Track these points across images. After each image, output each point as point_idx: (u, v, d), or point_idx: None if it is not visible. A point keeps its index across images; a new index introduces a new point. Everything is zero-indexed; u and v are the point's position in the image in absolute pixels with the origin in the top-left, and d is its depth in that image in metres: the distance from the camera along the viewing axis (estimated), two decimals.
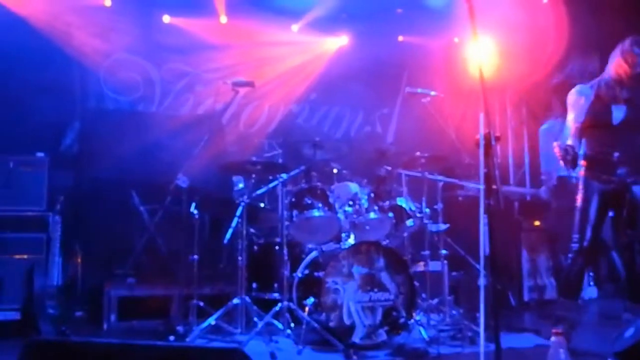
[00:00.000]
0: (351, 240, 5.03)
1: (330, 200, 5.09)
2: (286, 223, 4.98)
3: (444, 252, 5.37)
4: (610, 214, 4.53)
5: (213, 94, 6.85)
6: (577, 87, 4.60)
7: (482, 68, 3.50)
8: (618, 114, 4.44)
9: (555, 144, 4.28)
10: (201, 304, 5.05)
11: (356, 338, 4.58)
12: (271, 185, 5.29)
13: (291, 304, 4.78)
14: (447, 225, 5.45)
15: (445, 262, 5.34)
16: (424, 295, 5.17)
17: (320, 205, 5.00)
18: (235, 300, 4.84)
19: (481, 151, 3.44)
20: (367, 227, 5.14)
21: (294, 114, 7.45)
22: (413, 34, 7.69)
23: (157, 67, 6.98)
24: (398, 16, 7.46)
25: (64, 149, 6.42)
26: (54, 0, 6.29)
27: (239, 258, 4.93)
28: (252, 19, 6.91)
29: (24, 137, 5.90)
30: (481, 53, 3.75)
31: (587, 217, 4.51)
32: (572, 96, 4.57)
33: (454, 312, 5.18)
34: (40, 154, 5.61)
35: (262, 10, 6.81)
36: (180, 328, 4.87)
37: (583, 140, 4.51)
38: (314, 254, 5.06)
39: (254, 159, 5.18)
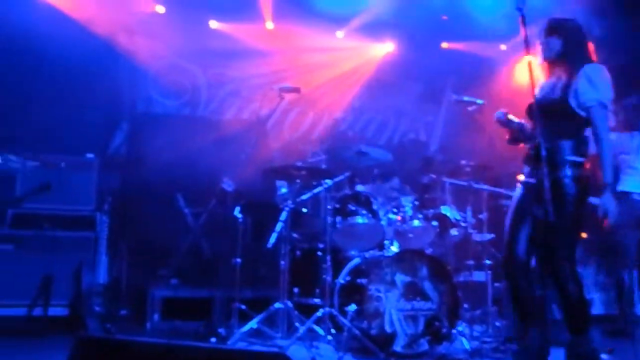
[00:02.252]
0: (394, 248, 5.00)
1: (374, 207, 5.07)
2: (329, 229, 4.98)
3: (488, 262, 5.30)
4: None
5: (258, 99, 6.91)
6: None
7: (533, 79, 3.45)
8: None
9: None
10: (243, 307, 5.08)
11: (397, 347, 4.54)
12: (316, 190, 5.30)
13: (333, 310, 4.77)
14: (492, 235, 5.38)
15: (489, 272, 5.27)
16: (466, 306, 5.11)
17: (364, 212, 4.99)
18: (277, 305, 4.86)
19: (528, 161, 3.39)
20: (411, 235, 5.11)
21: (338, 120, 7.46)
22: (458, 41, 7.63)
23: (203, 72, 7.10)
24: (443, 23, 7.42)
25: (112, 151, 6.57)
26: (106, 5, 6.43)
27: (282, 262, 4.96)
28: (298, 25, 6.97)
29: (74, 138, 6.08)
30: (533, 60, 3.69)
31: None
32: None
33: (497, 323, 5.10)
34: (90, 155, 5.76)
35: (308, 16, 6.85)
36: (221, 330, 4.91)
37: None
38: (356, 260, 5.05)
39: (298, 164, 5.21)
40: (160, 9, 6.72)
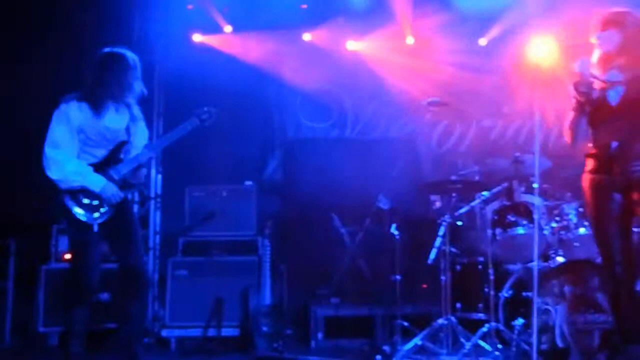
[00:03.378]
0: (560, 258, 4.77)
1: (535, 216, 4.88)
2: (490, 241, 4.86)
3: None
4: None
5: (405, 115, 6.94)
6: None
7: None
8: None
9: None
10: (405, 323, 5.08)
11: None
12: (473, 203, 5.20)
13: (499, 325, 4.64)
14: None
15: None
16: None
17: (524, 222, 4.83)
18: (441, 321, 4.81)
19: None
20: (577, 244, 4.84)
21: (487, 129, 7.25)
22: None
23: (348, 93, 7.21)
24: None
25: (267, 177, 6.88)
26: (255, 37, 6.77)
27: (442, 277, 4.90)
28: (439, 36, 6.86)
29: (233, 168, 6.45)
30: None
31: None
32: None
33: None
34: (248, 183, 6.08)
35: (450, 25, 6.73)
36: (386, 348, 4.94)
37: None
38: (519, 272, 4.88)
39: (453, 177, 5.15)
40: (306, 36, 6.95)
